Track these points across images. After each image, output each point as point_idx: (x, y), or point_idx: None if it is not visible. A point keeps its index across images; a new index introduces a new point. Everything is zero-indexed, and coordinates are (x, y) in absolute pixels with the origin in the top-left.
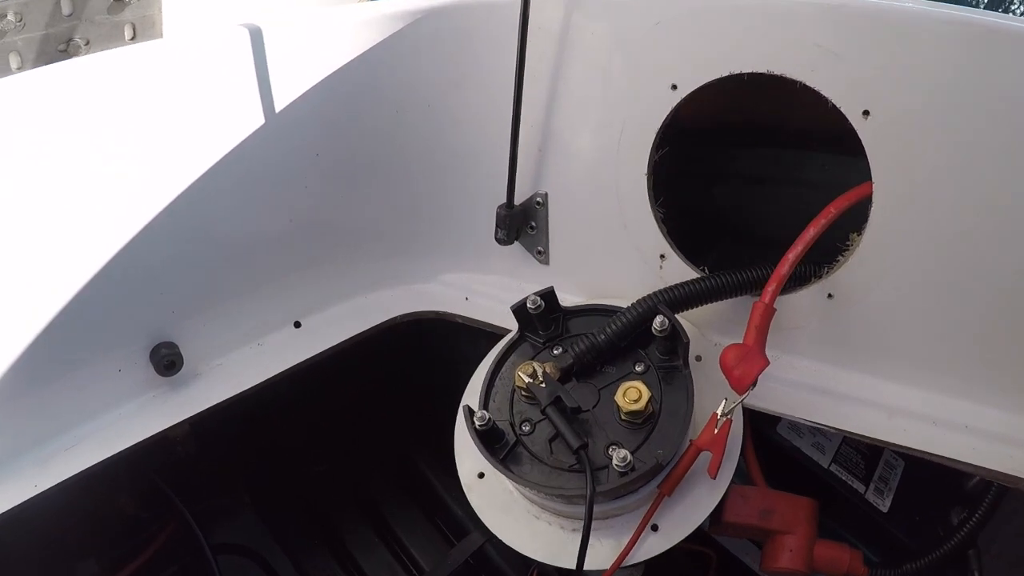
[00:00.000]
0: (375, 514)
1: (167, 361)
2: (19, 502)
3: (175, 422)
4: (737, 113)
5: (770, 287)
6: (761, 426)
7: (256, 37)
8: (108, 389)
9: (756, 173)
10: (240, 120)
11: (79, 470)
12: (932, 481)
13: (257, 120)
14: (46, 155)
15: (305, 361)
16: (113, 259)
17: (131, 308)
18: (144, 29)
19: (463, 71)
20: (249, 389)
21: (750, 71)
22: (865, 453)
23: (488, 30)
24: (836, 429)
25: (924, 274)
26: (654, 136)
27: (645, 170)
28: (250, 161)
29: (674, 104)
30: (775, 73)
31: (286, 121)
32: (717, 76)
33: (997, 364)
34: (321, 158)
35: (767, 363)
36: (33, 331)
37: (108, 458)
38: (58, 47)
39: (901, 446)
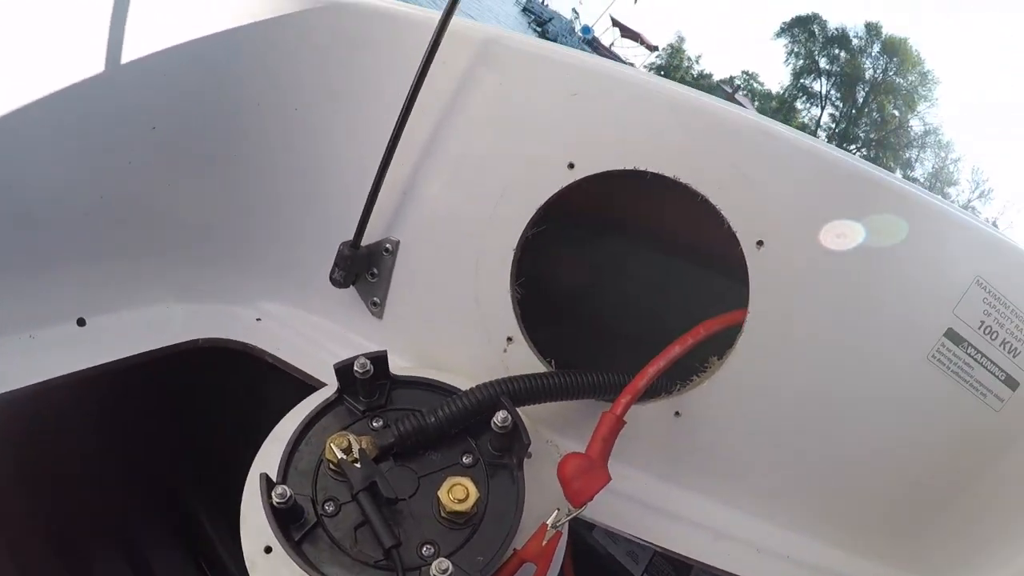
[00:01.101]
0: (142, 566)
1: None
2: None
3: None
4: (626, 208)
5: (624, 398)
6: (577, 527)
7: None
8: None
9: (629, 270)
10: (68, 58)
11: None
12: None
13: (92, 65)
14: None
15: (85, 370)
16: None
17: None
18: None
19: (345, 82)
20: (18, 391)
21: (656, 171)
22: (677, 566)
23: (387, 46)
24: (662, 548)
25: (775, 408)
26: (535, 211)
27: (515, 244)
28: (67, 111)
29: (566, 183)
30: (682, 181)
31: (126, 78)
32: (620, 167)
33: (824, 501)
34: (157, 132)
35: (609, 479)
36: None
37: None
38: None
39: (721, 570)
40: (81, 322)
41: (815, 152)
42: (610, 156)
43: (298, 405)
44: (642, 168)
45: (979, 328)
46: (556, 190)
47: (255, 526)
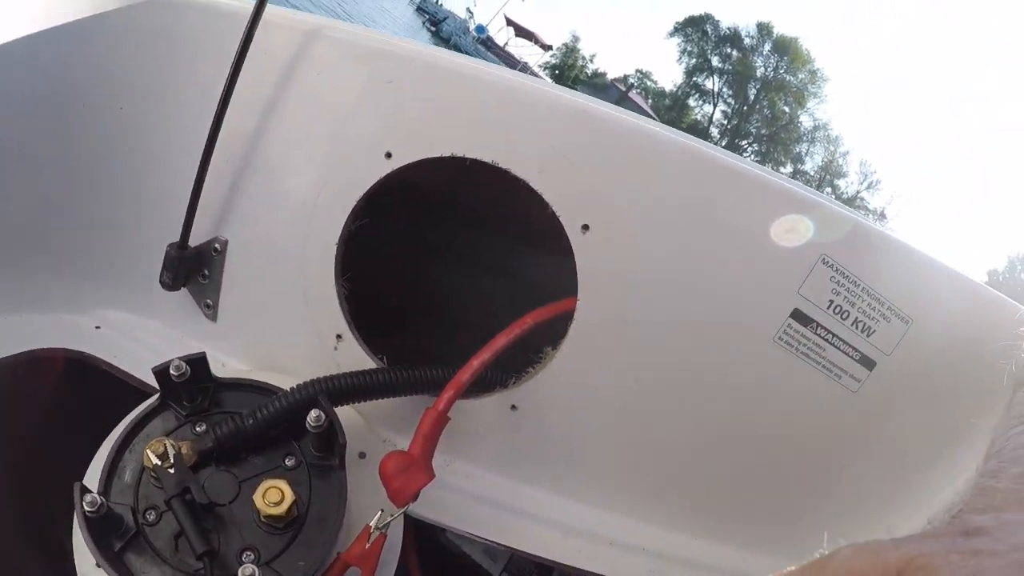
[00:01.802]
0: None
1: None
2: None
3: None
4: (456, 193)
5: (446, 393)
6: (427, 526)
7: None
8: None
9: (467, 256)
10: None
11: None
12: None
13: None
14: None
15: None
16: None
17: None
18: None
19: (170, 79)
20: None
21: (474, 157)
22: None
23: (208, 39)
24: (507, 547)
25: (613, 397)
26: (354, 203)
27: (336, 239)
28: None
29: (384, 173)
30: (500, 166)
31: None
32: (438, 155)
33: (675, 490)
34: None
35: (431, 478)
36: None
37: None
38: None
39: (574, 568)
40: None
41: (642, 131)
42: (428, 143)
43: (129, 415)
44: (460, 154)
45: (828, 308)
46: (374, 180)
47: (83, 541)
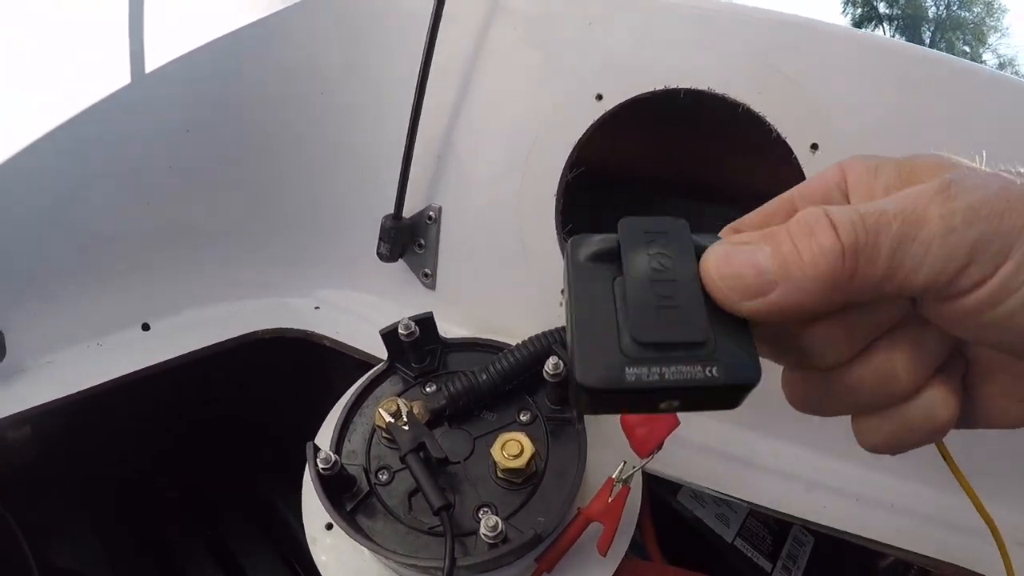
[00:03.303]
0: (224, 553)
1: None
2: None
3: None
4: (657, 159)
5: None
6: (660, 491)
7: None
8: None
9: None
10: (99, 76)
11: None
12: (841, 559)
13: (121, 77)
14: None
15: (152, 367)
16: None
17: None
18: None
19: (362, 55)
20: (84, 391)
21: (688, 87)
22: (773, 528)
23: (396, 11)
24: (746, 502)
25: None
26: (570, 151)
27: (554, 190)
28: (109, 126)
29: (597, 117)
30: (717, 92)
31: (154, 86)
32: (650, 89)
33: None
34: (192, 135)
35: (677, 424)
36: None
37: None
38: None
39: (819, 524)
40: (146, 327)
41: (864, 40)
42: (637, 80)
43: (355, 383)
44: (673, 86)
45: None
46: (587, 126)
47: (313, 504)
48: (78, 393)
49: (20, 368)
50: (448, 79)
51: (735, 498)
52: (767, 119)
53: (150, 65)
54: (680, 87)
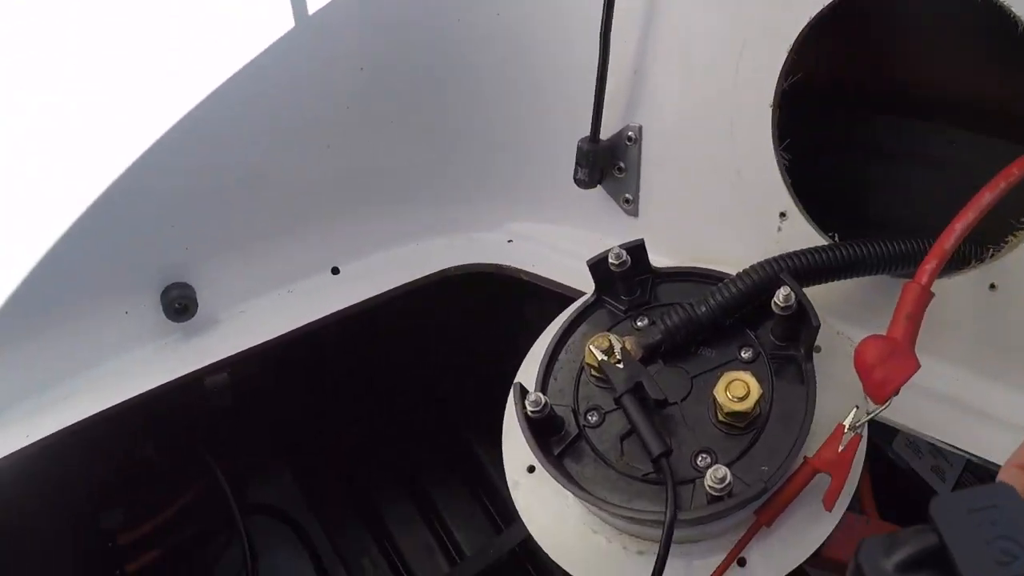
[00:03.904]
0: (418, 490)
1: (179, 304)
2: (17, 448)
3: (189, 371)
4: (853, 70)
5: (928, 264)
6: (875, 437)
7: None
8: (115, 332)
9: (871, 145)
10: (268, 22)
11: (85, 415)
12: None
13: (287, 21)
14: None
15: (342, 311)
16: (116, 185)
17: (138, 242)
18: None
19: None
20: (276, 339)
21: None
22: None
23: None
24: (980, 458)
25: None
26: (786, 54)
27: (771, 100)
28: (280, 74)
29: (817, 9)
30: None
31: (324, 26)
32: None
33: None
34: (366, 73)
35: (918, 366)
36: (25, 264)
37: (118, 405)
38: None
39: None
40: (335, 271)
41: None
42: None
43: (558, 317)
44: None
45: None
46: (806, 20)
47: (516, 445)
48: (271, 340)
49: (214, 320)
50: None
51: (967, 452)
52: (1012, 8)
53: (312, 6)
54: None
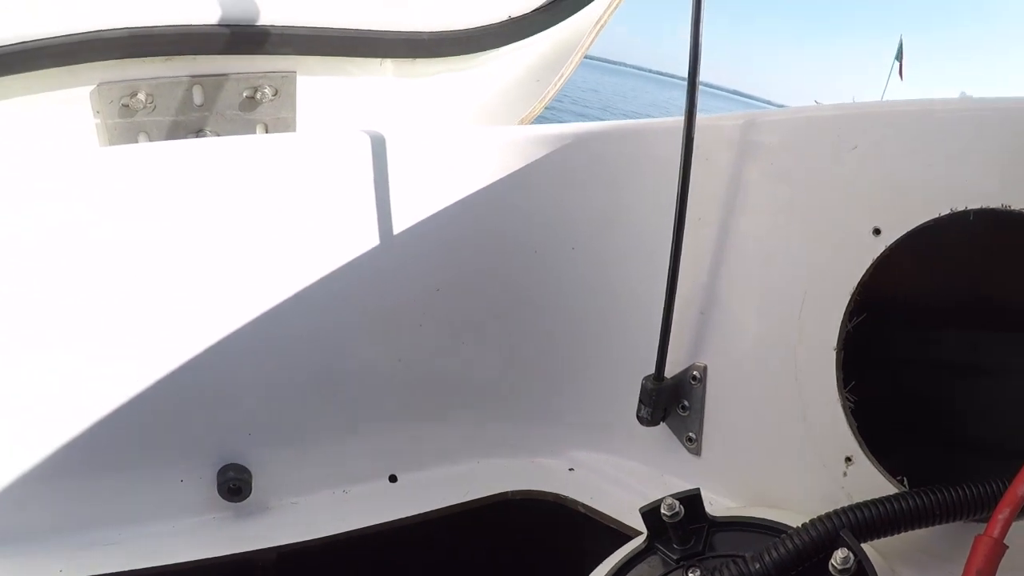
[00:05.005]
0: None
1: (233, 484)
2: None
3: (232, 552)
4: (936, 285)
5: (1000, 514)
6: None
7: (378, 146)
8: (165, 497)
9: (955, 360)
10: (355, 237)
11: (116, 569)
12: None
13: (372, 239)
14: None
15: (397, 521)
16: (191, 362)
17: (206, 418)
18: (277, 131)
19: (615, 208)
20: (324, 538)
21: (979, 207)
22: None
23: (646, 160)
24: None
25: None
26: (848, 298)
27: (834, 344)
28: (361, 283)
29: (878, 254)
30: (1015, 209)
31: (406, 246)
32: (934, 215)
33: None
34: (442, 294)
35: None
36: (94, 416)
37: (148, 569)
38: (187, 136)
39: None
40: (393, 479)
41: None
42: (917, 207)
43: (608, 558)
44: (960, 208)
45: None
46: (867, 266)
47: None
48: (318, 538)
49: (265, 506)
50: (704, 227)
51: None
52: None
53: (397, 227)
54: (968, 207)
